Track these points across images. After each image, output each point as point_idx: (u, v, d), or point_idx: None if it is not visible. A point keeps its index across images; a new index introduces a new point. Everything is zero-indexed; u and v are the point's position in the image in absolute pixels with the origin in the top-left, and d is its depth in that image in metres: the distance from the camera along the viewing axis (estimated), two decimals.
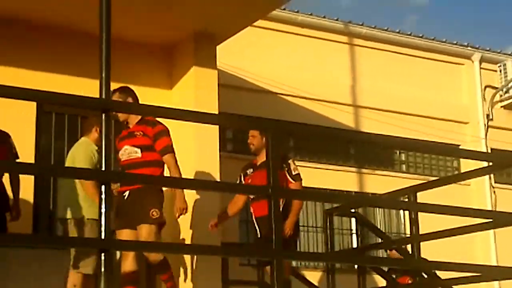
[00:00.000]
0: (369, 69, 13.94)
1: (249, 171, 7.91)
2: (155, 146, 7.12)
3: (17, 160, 7.41)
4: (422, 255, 7.39)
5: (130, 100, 7.28)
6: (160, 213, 6.95)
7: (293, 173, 7.66)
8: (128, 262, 6.91)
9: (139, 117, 7.25)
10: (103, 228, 5.02)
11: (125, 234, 6.90)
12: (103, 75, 5.12)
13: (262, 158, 7.55)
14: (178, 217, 7.26)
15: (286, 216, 7.40)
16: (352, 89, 13.72)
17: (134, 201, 6.95)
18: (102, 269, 4.98)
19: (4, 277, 7.49)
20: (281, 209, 6.94)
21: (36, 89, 5.27)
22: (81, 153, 7.41)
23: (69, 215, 7.36)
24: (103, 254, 4.98)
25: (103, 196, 5.02)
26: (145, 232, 6.83)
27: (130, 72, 9.15)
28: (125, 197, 7.02)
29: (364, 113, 13.66)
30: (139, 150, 7.11)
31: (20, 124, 8.44)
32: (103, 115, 5.03)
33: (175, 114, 5.92)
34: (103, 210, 4.99)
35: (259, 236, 7.74)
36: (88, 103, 5.40)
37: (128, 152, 7.14)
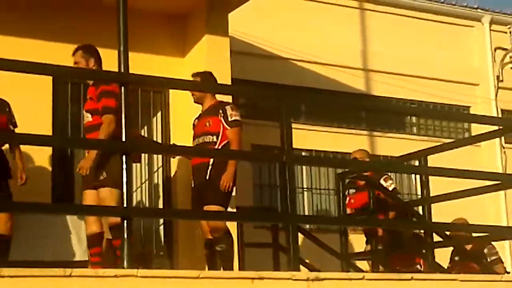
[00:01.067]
0: (380, 33, 14.00)
1: (195, 120, 7.77)
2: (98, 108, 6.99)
3: (16, 130, 7.49)
4: (434, 217, 7.59)
5: (92, 60, 7.14)
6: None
7: (230, 119, 7.36)
8: (92, 224, 6.89)
9: None
10: (124, 197, 5.24)
11: (88, 195, 6.90)
12: (121, 48, 5.28)
13: (205, 106, 7.57)
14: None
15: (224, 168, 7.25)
16: (362, 53, 13.80)
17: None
18: (125, 236, 5.21)
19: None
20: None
21: (56, 64, 5.46)
22: None
23: None
24: (125, 222, 5.20)
25: (124, 166, 5.22)
26: (103, 195, 6.77)
27: (143, 41, 9.23)
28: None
29: (374, 76, 13.77)
30: (89, 115, 7.04)
31: (37, 93, 8.56)
32: (122, 88, 5.21)
33: (189, 85, 6.08)
34: (124, 179, 5.20)
35: (193, 185, 7.45)
36: (107, 77, 5.54)
37: (84, 116, 7.12)
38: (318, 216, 7.53)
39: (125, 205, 5.20)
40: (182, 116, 9.22)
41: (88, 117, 7.03)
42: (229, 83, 9.18)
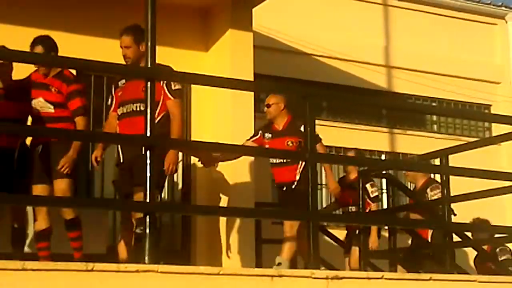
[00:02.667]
0: (402, 29, 13.97)
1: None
2: (68, 105, 6.98)
3: None
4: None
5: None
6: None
7: (173, 87, 6.75)
8: (42, 218, 6.94)
9: (58, 68, 7.04)
10: (148, 192, 5.29)
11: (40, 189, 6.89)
12: (149, 44, 5.33)
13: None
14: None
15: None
16: (385, 50, 13.79)
17: (47, 155, 6.90)
18: (147, 230, 5.26)
19: None
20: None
21: (83, 58, 5.51)
22: None
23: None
24: (148, 216, 5.25)
25: (148, 162, 5.26)
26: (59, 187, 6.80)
27: (167, 34, 9.24)
28: (39, 151, 6.96)
29: (396, 73, 13.75)
30: (52, 107, 6.99)
31: None
32: (149, 83, 5.25)
33: (214, 81, 6.11)
34: (148, 175, 5.24)
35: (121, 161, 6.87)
36: (134, 72, 5.59)
37: (41, 105, 7.02)
38: (338, 214, 7.55)
39: (148, 200, 5.24)
40: (203, 110, 9.28)
41: (49, 108, 6.97)
42: (252, 77, 9.23)
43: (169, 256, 8.20)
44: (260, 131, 8.21)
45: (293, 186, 7.69)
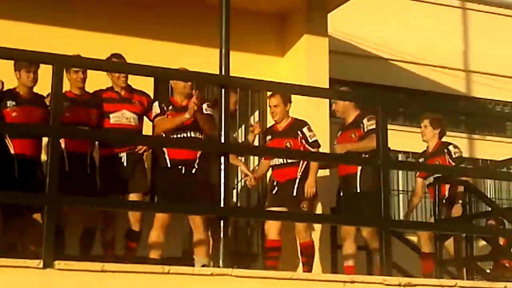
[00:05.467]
0: (481, 33, 13.75)
1: (268, 138, 8.01)
2: (149, 115, 7.43)
3: None
4: None
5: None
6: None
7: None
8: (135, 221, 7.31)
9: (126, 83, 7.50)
10: (222, 197, 5.39)
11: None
12: (223, 51, 5.43)
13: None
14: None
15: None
16: (463, 54, 13.60)
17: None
18: (222, 235, 5.36)
19: None
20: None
21: (156, 66, 5.65)
22: None
23: None
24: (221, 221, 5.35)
25: (222, 167, 5.37)
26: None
27: (243, 40, 9.36)
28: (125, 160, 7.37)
29: (475, 78, 13.54)
30: (137, 118, 7.40)
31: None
32: (223, 90, 5.35)
33: (289, 89, 6.18)
34: (222, 179, 5.34)
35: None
36: (208, 79, 5.69)
37: (126, 117, 7.37)
38: (412, 221, 7.53)
39: (222, 205, 5.34)
40: None
41: (134, 120, 7.37)
42: (327, 82, 9.27)
43: (246, 260, 8.36)
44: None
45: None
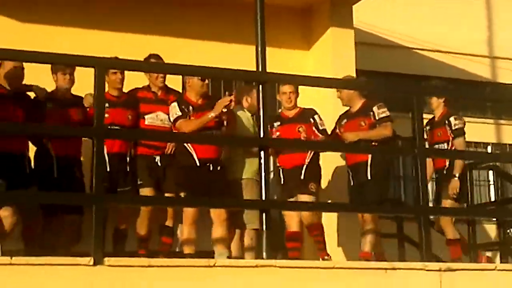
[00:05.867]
0: (505, 19, 13.77)
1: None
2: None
3: None
4: None
5: None
6: None
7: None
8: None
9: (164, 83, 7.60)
10: (263, 190, 5.51)
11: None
12: (259, 49, 5.54)
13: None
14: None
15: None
16: (488, 41, 13.62)
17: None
18: (264, 228, 5.48)
19: None
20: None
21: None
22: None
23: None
24: (264, 214, 5.47)
25: (262, 161, 5.48)
26: None
27: (270, 35, 9.38)
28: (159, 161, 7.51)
29: (500, 63, 13.57)
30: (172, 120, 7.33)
31: None
32: (260, 86, 5.46)
33: (323, 82, 6.28)
34: (263, 173, 5.46)
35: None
36: (246, 76, 5.80)
37: (161, 118, 7.46)
38: (448, 208, 7.57)
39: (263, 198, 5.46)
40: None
41: (168, 121, 7.38)
42: (354, 74, 9.31)
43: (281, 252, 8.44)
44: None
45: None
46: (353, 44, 9.73)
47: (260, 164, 5.48)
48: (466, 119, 12.87)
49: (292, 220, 7.56)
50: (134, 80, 7.50)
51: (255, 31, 5.60)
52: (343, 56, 9.59)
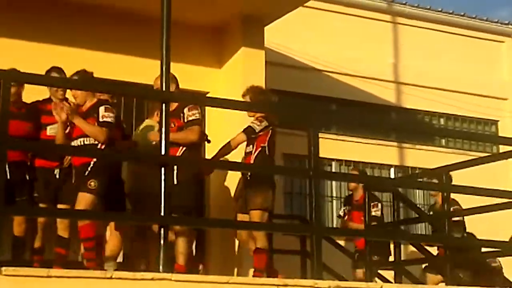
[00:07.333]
0: (411, 46, 14.30)
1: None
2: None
3: None
4: None
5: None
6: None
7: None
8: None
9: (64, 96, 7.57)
10: (163, 206, 5.66)
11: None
12: (163, 68, 5.72)
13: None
14: None
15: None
16: (394, 66, 14.11)
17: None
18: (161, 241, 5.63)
19: None
20: None
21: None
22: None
23: None
24: (162, 229, 5.62)
25: (163, 177, 5.62)
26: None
27: (182, 53, 9.60)
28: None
29: (405, 89, 14.08)
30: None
31: None
32: (163, 104, 5.64)
33: (229, 104, 6.48)
34: (162, 189, 5.60)
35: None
36: (151, 95, 5.96)
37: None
38: (341, 228, 7.87)
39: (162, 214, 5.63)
40: (217, 127, 9.60)
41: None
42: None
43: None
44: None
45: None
46: (263, 64, 9.98)
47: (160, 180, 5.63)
48: (371, 141, 13.43)
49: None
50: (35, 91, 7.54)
51: (160, 49, 5.76)
52: (253, 75, 9.79)
